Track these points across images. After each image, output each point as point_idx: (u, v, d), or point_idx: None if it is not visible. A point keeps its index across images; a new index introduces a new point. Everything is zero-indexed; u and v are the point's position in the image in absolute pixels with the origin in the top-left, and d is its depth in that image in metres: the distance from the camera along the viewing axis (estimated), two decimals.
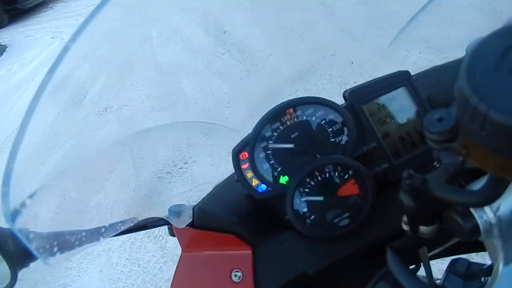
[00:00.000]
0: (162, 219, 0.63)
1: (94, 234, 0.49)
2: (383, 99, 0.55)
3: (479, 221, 0.32)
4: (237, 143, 0.57)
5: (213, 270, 0.58)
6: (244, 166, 0.55)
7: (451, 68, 0.61)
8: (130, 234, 2.40)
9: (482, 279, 0.67)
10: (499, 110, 0.23)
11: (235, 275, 0.56)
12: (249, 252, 0.56)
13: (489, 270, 0.67)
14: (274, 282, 0.54)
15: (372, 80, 0.56)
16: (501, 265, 0.34)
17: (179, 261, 0.62)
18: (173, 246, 2.22)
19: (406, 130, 0.55)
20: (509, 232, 0.33)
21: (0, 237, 0.49)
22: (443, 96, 0.57)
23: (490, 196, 0.29)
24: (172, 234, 0.67)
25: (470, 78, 0.24)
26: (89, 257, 2.40)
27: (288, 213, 0.53)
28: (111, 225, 0.51)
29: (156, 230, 2.34)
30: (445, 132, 0.30)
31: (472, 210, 0.33)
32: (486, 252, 0.42)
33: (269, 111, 0.55)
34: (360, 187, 0.53)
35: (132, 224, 0.54)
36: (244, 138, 0.56)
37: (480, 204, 0.30)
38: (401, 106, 0.55)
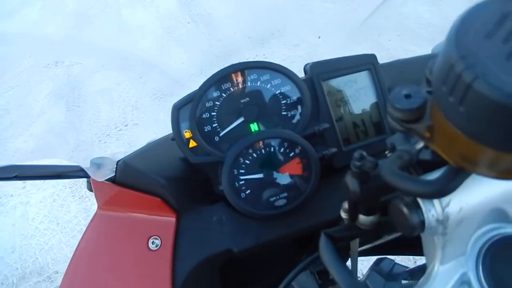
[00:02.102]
0: (80, 169, 0.55)
1: None
2: (344, 80, 0.51)
3: (425, 215, 0.30)
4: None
5: (129, 234, 0.52)
6: (184, 124, 0.49)
7: (416, 63, 0.59)
8: (53, 191, 2.25)
9: (402, 281, 0.68)
10: (487, 82, 0.19)
11: (153, 243, 0.50)
12: (173, 219, 0.51)
13: (410, 273, 0.68)
14: (195, 255, 0.49)
15: (336, 58, 0.52)
16: (437, 265, 0.32)
17: (92, 218, 0.55)
18: None
19: (360, 117, 0.52)
20: (452, 232, 0.31)
21: None
22: None
23: (447, 187, 0.26)
24: (90, 189, 0.60)
25: (459, 42, 0.21)
26: (2, 208, 2.21)
27: (223, 184, 0.48)
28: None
29: (82, 190, 2.20)
30: (412, 110, 0.27)
31: (420, 202, 0.30)
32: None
33: (221, 69, 0.49)
34: (304, 168, 0.49)
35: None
36: (189, 93, 0.50)
37: (434, 195, 0.27)
38: (360, 90, 0.52)
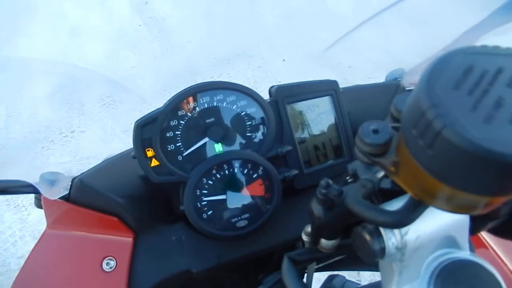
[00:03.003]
0: (29, 185, 0.52)
1: None
2: (307, 104, 0.53)
3: (386, 243, 0.31)
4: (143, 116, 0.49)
5: (82, 254, 0.49)
6: (147, 142, 0.48)
7: (373, 90, 0.63)
8: None
9: None
10: (454, 130, 0.21)
11: (107, 264, 0.48)
12: (130, 239, 0.49)
13: None
14: (152, 276, 0.48)
15: (300, 82, 0.54)
16: None
17: (40, 237, 0.51)
18: (37, 220, 1.96)
19: (321, 140, 0.54)
20: (409, 259, 0.33)
21: None
22: (362, 115, 0.58)
23: (408, 218, 0.28)
24: (39, 206, 0.56)
25: (430, 91, 0.22)
26: None
27: (185, 204, 0.48)
28: None
29: (19, 199, 2.04)
30: (379, 145, 0.28)
31: (382, 231, 0.32)
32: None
33: (188, 87, 0.49)
34: (266, 189, 0.50)
35: None
36: (153, 111, 0.49)
37: (396, 225, 0.29)
38: (322, 115, 0.54)
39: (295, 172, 0.52)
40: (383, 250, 0.32)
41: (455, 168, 0.22)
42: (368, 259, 0.32)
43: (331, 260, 0.59)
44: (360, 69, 2.46)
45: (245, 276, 0.61)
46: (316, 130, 0.54)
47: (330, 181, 0.35)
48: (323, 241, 0.39)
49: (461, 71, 0.23)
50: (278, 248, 0.53)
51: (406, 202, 0.29)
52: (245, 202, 0.50)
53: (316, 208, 0.36)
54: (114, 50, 3.06)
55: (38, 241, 0.51)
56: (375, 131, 0.29)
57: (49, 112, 2.37)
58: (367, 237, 0.32)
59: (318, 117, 0.54)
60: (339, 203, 0.35)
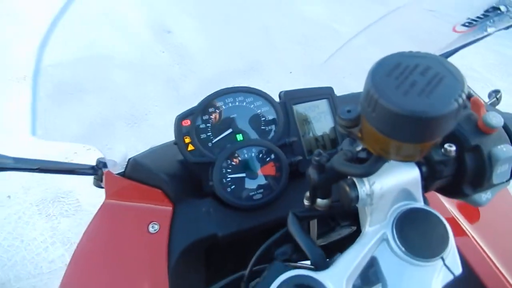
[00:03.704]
0: (92, 167, 0.67)
1: None
2: (309, 105, 0.68)
3: (359, 191, 0.45)
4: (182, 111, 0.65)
5: (133, 219, 0.63)
6: (184, 131, 0.63)
7: None
8: (19, 208, 2.23)
9: None
10: (385, 99, 0.35)
11: (152, 227, 0.62)
12: (170, 208, 0.63)
13: None
14: (187, 238, 0.62)
15: (304, 88, 0.69)
16: (367, 227, 0.46)
17: (100, 207, 0.66)
18: (66, 228, 2.11)
19: (321, 134, 0.68)
20: (377, 203, 0.46)
21: None
22: None
23: (372, 169, 0.41)
24: (98, 185, 0.71)
25: (373, 77, 0.36)
26: None
27: (214, 180, 0.62)
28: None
29: (50, 209, 2.21)
30: (350, 119, 0.42)
31: (356, 182, 0.45)
32: None
33: (216, 91, 0.64)
34: (276, 170, 0.64)
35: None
36: (190, 108, 0.64)
37: (362, 175, 0.42)
38: (321, 114, 0.68)
39: (299, 158, 0.66)
40: (357, 196, 0.45)
41: (389, 124, 0.36)
42: (347, 203, 0.45)
43: (331, 240, 0.72)
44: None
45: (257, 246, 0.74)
46: (316, 126, 0.68)
47: (321, 151, 0.48)
48: (319, 200, 0.52)
49: (393, 66, 0.37)
50: (285, 220, 0.66)
51: (371, 158, 0.43)
52: (260, 180, 0.63)
53: (312, 172, 0.49)
54: (135, 73, 3.28)
55: (98, 211, 0.65)
56: (349, 111, 0.43)
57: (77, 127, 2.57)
58: (347, 188, 0.45)
59: (318, 115, 0.68)
60: (328, 168, 0.49)
